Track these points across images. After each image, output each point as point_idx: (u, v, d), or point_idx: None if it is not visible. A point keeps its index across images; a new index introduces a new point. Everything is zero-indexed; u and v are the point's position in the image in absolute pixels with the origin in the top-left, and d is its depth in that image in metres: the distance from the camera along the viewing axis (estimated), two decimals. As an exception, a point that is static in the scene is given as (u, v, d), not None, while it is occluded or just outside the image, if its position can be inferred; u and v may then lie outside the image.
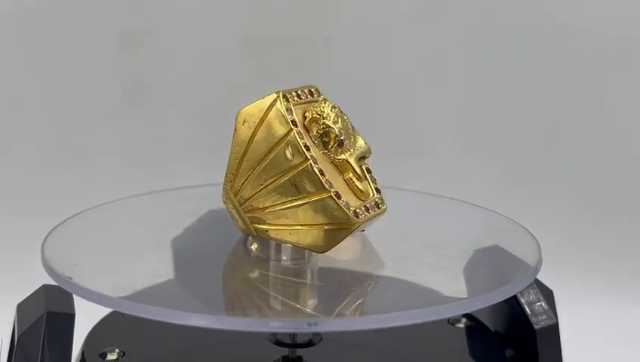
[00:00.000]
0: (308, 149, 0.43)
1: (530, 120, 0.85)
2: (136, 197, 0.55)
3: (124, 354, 0.45)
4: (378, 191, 0.45)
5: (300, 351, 0.45)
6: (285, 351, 0.45)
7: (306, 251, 0.44)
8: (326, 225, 0.43)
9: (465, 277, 0.45)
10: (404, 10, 0.84)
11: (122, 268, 0.45)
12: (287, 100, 0.44)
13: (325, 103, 0.45)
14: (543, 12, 0.83)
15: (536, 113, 0.85)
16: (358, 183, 0.44)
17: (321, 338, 0.45)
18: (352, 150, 0.45)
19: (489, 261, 0.46)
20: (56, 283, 0.42)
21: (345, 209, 0.43)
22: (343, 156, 0.44)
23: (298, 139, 0.43)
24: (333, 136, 0.44)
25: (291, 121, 0.43)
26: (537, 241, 0.46)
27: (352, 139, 0.45)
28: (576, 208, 0.84)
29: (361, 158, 0.45)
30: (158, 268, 0.45)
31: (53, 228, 0.47)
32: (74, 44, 0.84)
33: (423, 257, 0.47)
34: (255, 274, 0.45)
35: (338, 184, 0.44)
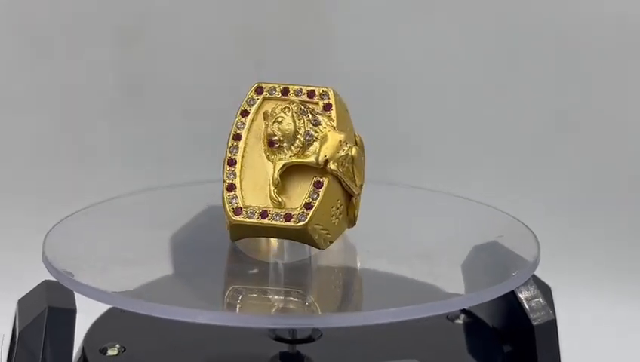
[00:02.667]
0: (238, 139, 0.44)
1: (529, 116, 0.85)
2: (136, 193, 0.55)
3: (124, 350, 0.45)
4: (307, 206, 0.43)
5: (299, 347, 0.45)
6: (285, 347, 0.45)
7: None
8: (227, 213, 0.44)
9: (463, 272, 0.45)
10: (404, 5, 0.84)
11: (122, 264, 0.45)
12: (260, 92, 0.45)
13: (283, 103, 0.44)
14: (542, 8, 0.83)
15: (536, 109, 0.85)
16: (271, 188, 0.43)
17: (321, 335, 0.46)
18: (285, 155, 0.43)
19: (487, 257, 0.46)
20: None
21: (226, 201, 0.43)
22: (274, 157, 0.43)
23: (236, 127, 0.44)
24: (265, 134, 0.44)
25: (241, 111, 0.45)
26: (536, 237, 0.46)
27: (297, 145, 0.43)
28: (576, 204, 0.84)
29: (294, 167, 0.43)
30: (158, 265, 0.45)
31: (54, 225, 0.47)
32: (70, 40, 0.84)
33: (421, 252, 0.47)
34: (254, 270, 0.45)
35: (254, 181, 0.44)
